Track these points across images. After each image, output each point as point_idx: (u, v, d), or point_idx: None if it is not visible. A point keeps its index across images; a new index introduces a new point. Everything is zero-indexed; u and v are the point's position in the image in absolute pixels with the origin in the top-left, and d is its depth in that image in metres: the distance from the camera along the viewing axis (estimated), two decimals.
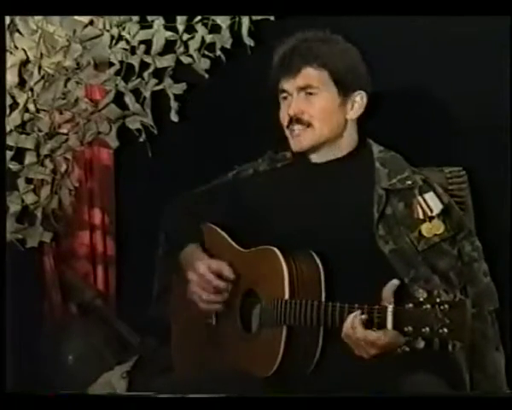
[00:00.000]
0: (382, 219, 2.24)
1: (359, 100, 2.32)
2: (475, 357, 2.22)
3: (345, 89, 2.29)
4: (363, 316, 2.03)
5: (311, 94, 2.28)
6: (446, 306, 1.90)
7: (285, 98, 2.32)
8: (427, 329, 1.90)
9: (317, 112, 2.28)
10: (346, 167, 2.33)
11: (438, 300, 1.91)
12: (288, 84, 2.29)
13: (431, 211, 2.24)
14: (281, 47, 2.32)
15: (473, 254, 2.27)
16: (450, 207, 2.28)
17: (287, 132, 2.32)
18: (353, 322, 2.04)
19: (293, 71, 2.27)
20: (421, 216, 2.24)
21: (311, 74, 2.27)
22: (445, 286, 2.16)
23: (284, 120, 2.32)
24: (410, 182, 2.27)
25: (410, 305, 1.94)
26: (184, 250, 2.40)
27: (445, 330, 1.89)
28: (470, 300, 1.96)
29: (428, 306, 1.91)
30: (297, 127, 2.29)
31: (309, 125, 2.29)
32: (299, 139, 2.30)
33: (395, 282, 2.06)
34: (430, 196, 2.26)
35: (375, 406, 1.96)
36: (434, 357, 2.13)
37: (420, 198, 2.25)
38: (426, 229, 2.23)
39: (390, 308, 1.98)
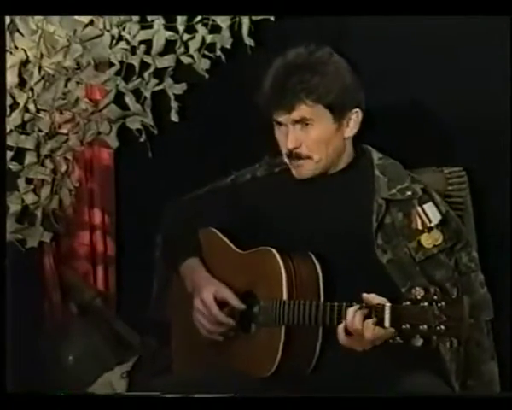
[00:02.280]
0: (381, 229, 2.23)
1: (355, 118, 2.29)
2: (470, 367, 2.22)
3: (340, 113, 2.26)
4: (363, 311, 2.03)
5: (306, 125, 2.25)
6: (443, 303, 1.90)
7: (280, 125, 2.28)
8: (425, 326, 1.90)
9: (315, 143, 2.26)
10: (345, 175, 2.32)
11: (435, 297, 1.91)
12: (283, 118, 2.26)
13: (430, 221, 2.24)
14: (270, 72, 2.27)
15: (470, 265, 2.27)
16: (449, 216, 2.28)
17: (286, 159, 2.31)
18: (354, 317, 2.04)
19: (287, 107, 2.23)
20: (419, 227, 2.24)
21: (305, 110, 2.23)
22: None
23: (282, 147, 2.30)
24: (409, 193, 2.26)
25: (408, 303, 1.94)
26: (185, 264, 2.40)
27: (443, 327, 1.89)
28: (467, 297, 1.95)
29: (426, 303, 1.92)
30: (296, 160, 2.27)
31: (308, 157, 2.27)
32: (300, 170, 2.29)
33: None
34: (429, 207, 2.25)
35: (375, 406, 1.96)
36: (434, 357, 2.14)
37: (419, 209, 2.25)
38: (424, 239, 2.23)
39: (388, 306, 1.98)
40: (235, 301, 2.28)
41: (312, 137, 2.26)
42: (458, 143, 2.61)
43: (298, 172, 2.30)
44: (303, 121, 2.25)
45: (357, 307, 2.04)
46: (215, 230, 2.41)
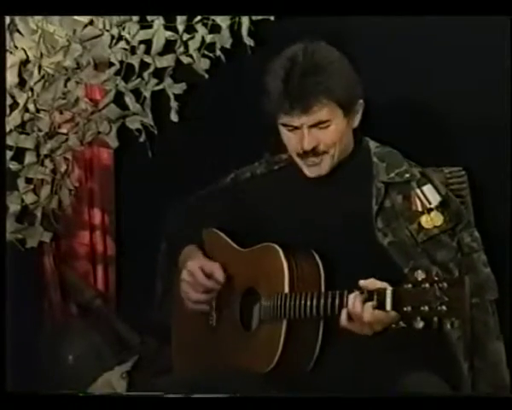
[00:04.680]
0: (381, 212, 2.25)
1: (360, 109, 2.30)
2: (477, 347, 2.23)
3: (349, 107, 2.26)
4: (364, 295, 2.03)
5: (323, 125, 2.23)
6: (445, 284, 1.90)
7: (292, 128, 2.25)
8: (426, 307, 1.90)
9: (332, 140, 2.25)
10: (345, 166, 2.32)
11: (436, 278, 1.91)
12: (297, 121, 2.23)
13: (429, 203, 2.25)
14: (276, 76, 2.24)
15: (472, 245, 2.28)
16: (449, 198, 2.30)
17: (297, 160, 2.29)
18: (355, 301, 2.04)
19: (304, 108, 2.20)
20: (419, 208, 2.25)
21: (321, 111, 2.22)
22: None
23: (293, 149, 2.28)
24: (408, 175, 2.28)
25: (409, 285, 1.94)
26: (183, 251, 2.41)
27: (444, 307, 1.89)
28: (469, 277, 1.94)
29: (427, 285, 1.91)
30: (312, 157, 2.26)
31: (324, 152, 2.26)
32: (317, 168, 2.28)
33: None
34: (428, 189, 2.27)
35: (375, 406, 1.96)
36: (434, 355, 2.14)
37: (418, 190, 2.26)
38: (425, 221, 2.24)
39: (389, 289, 1.98)
40: (218, 272, 2.28)
41: (329, 136, 2.24)
42: (458, 143, 2.61)
43: (313, 171, 2.29)
44: (319, 124, 2.23)
45: (358, 292, 2.04)
46: (216, 230, 2.42)
